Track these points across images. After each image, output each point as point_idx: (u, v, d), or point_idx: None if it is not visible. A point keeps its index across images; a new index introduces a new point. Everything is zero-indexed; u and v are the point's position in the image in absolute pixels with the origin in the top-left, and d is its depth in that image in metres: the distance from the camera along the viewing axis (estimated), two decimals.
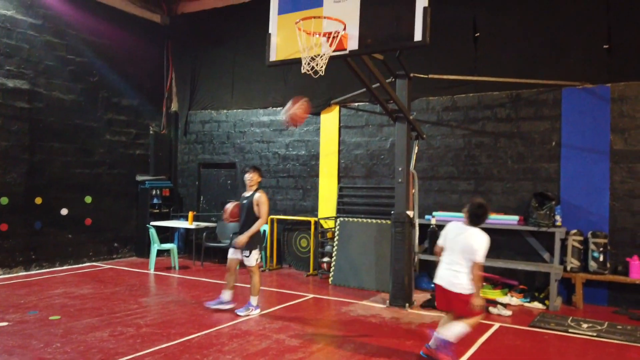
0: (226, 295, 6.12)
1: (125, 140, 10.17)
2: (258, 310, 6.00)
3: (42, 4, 8.59)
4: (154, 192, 10.30)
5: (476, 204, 4.44)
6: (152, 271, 8.72)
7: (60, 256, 8.96)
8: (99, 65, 9.58)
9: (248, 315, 5.86)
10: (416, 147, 6.96)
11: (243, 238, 5.85)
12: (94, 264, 9.38)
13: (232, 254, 6.09)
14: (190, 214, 9.42)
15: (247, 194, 6.04)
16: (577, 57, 6.94)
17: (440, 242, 4.61)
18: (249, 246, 5.89)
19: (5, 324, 5.41)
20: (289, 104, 5.57)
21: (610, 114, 6.77)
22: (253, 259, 5.93)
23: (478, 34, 7.58)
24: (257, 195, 5.93)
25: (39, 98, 8.61)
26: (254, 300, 5.99)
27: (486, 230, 7.19)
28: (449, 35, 7.62)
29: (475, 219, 4.40)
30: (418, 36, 4.63)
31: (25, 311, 5.93)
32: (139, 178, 10.30)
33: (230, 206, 6.17)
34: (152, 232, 8.94)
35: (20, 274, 8.26)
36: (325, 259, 8.41)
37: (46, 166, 8.73)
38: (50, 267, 8.78)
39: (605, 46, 6.73)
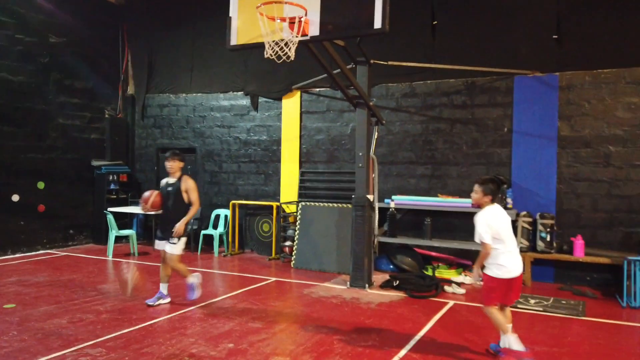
0: (164, 289, 5.80)
1: (79, 124, 9.84)
2: (168, 299, 5.78)
3: None
4: (110, 177, 10.05)
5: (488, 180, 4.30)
6: (110, 258, 8.57)
7: (12, 243, 8.66)
8: (51, 45, 9.19)
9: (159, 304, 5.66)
10: (376, 133, 7.11)
11: (181, 226, 5.54)
12: (49, 251, 9.12)
13: (160, 246, 5.73)
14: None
15: (170, 180, 5.72)
16: (528, 47, 7.25)
17: (488, 237, 4.10)
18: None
19: None
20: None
21: (558, 101, 7.13)
22: (179, 247, 5.64)
23: (436, 21, 7.76)
24: (184, 181, 5.65)
25: None
26: (165, 288, 5.80)
27: (442, 212, 7.54)
28: (409, 23, 7.78)
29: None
30: (378, 24, 4.72)
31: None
32: (95, 163, 10.03)
33: (150, 195, 5.69)
34: (110, 218, 8.76)
35: None
36: (288, 243, 8.51)
37: None
38: (2, 254, 8.47)
39: (554, 36, 7.06)
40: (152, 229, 9.61)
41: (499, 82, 7.49)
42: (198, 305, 5.68)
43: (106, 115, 10.35)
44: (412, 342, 4.59)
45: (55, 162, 9.39)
